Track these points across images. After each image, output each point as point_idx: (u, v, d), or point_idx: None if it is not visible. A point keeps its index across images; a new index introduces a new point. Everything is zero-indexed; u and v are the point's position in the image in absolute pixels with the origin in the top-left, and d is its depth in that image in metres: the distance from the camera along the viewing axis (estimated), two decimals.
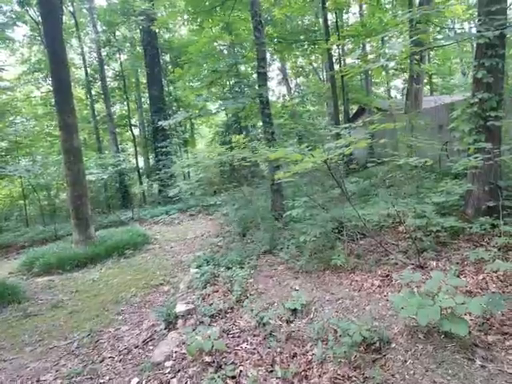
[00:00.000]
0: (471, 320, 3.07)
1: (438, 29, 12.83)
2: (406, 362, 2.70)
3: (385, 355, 2.83)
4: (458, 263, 4.24)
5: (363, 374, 2.68)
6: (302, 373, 2.88)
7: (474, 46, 5.83)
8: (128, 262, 7.46)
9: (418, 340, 2.91)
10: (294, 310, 3.84)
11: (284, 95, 24.27)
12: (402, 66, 17.73)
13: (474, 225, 4.82)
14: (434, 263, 4.40)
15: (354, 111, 19.00)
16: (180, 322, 4.19)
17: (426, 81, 18.94)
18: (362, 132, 8.40)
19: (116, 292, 5.76)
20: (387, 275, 4.33)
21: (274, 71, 25.34)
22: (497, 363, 2.52)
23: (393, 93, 26.00)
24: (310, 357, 3.05)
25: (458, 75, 22.59)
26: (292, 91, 24.50)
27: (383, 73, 19.50)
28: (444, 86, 22.45)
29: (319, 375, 2.80)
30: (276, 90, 26.46)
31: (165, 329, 4.23)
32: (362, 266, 4.77)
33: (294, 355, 3.13)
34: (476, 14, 5.51)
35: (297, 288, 4.55)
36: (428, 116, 9.44)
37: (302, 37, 16.32)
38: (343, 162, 7.80)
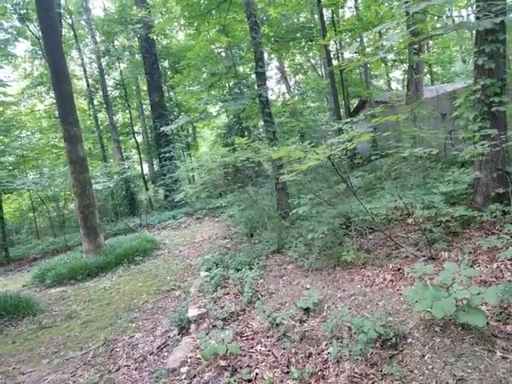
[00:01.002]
0: (488, 310, 3.01)
1: (436, 17, 12.68)
2: (423, 356, 2.65)
3: (402, 350, 2.79)
4: (470, 253, 4.17)
5: (381, 370, 2.65)
6: (319, 373, 2.85)
7: (474, 32, 5.75)
8: (138, 269, 7.49)
9: (434, 333, 2.87)
10: (307, 309, 3.81)
11: (284, 93, 24.20)
12: (402, 57, 17.62)
13: (485, 213, 4.73)
14: (446, 254, 4.34)
15: (355, 105, 18.91)
16: (193, 326, 4.19)
17: (426, 70, 18.76)
18: (364, 125, 8.36)
19: (128, 299, 5.79)
20: (399, 269, 4.28)
21: (272, 70, 25.29)
22: None
23: (393, 84, 25.82)
24: (325, 356, 3.02)
25: (458, 63, 22.34)
26: (291, 89, 24.44)
27: (382, 65, 19.37)
28: (445, 74, 22.23)
29: (336, 374, 2.77)
30: (275, 89, 26.41)
31: (178, 334, 4.23)
32: (372, 260, 4.73)
33: (310, 355, 3.10)
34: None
35: (308, 286, 4.52)
36: (430, 105, 9.34)
37: (298, 34, 16.27)
38: (347, 156, 7.74)
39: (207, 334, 3.73)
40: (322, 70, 22.74)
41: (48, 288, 7.25)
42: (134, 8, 16.46)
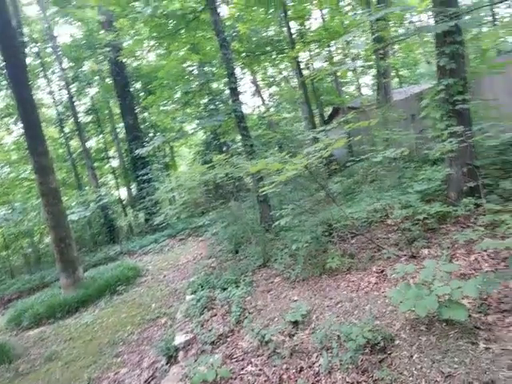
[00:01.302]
0: (469, 303, 3.06)
1: (398, 24, 13.19)
2: (411, 357, 2.66)
3: (390, 354, 2.79)
4: (448, 247, 4.26)
5: (372, 376, 2.64)
6: None
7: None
8: (121, 299, 7.24)
9: (420, 332, 2.88)
10: (295, 322, 3.77)
11: (259, 106, 24.46)
12: (369, 63, 18.15)
13: (459, 207, 4.85)
14: (426, 251, 4.41)
15: (329, 113, 19.26)
16: (181, 354, 4.06)
17: (393, 74, 19.34)
18: (339, 132, 8.49)
19: (112, 333, 5.55)
20: (382, 271, 4.31)
21: (246, 84, 25.59)
22: (500, 343, 2.51)
23: (364, 90, 26.46)
24: (316, 368, 2.98)
25: (423, 65, 23.14)
26: (266, 102, 24.74)
27: (352, 72, 19.90)
28: (411, 76, 22.98)
29: None
30: (251, 103, 26.71)
31: (166, 364, 4.08)
32: (356, 265, 4.75)
33: (301, 369, 3.06)
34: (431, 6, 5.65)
35: (295, 298, 4.49)
36: (400, 108, 9.60)
37: (268, 48, 16.55)
38: (323, 164, 7.81)
39: (196, 361, 3.62)
40: (295, 80, 23.14)
41: (25, 330, 6.87)
42: (102, 32, 16.39)
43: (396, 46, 20.12)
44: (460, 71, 5.13)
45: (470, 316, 2.82)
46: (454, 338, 2.67)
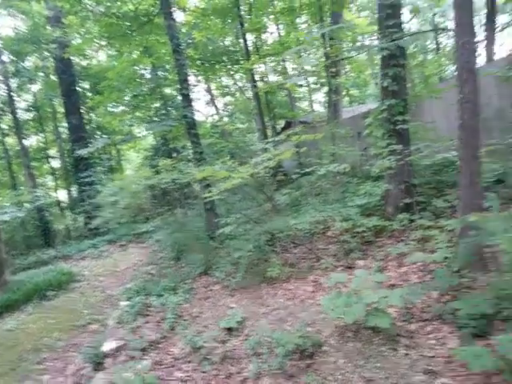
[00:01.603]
0: (396, 312, 3.20)
1: (351, 44, 13.94)
2: (336, 362, 2.72)
3: (317, 359, 2.83)
4: (382, 259, 4.47)
5: (298, 381, 2.66)
6: None
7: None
8: (51, 305, 6.71)
9: (347, 339, 2.96)
10: (230, 329, 3.73)
11: (212, 115, 24.39)
12: (322, 81, 18.95)
13: (395, 222, 5.11)
14: (362, 262, 4.59)
15: (282, 126, 19.69)
16: (109, 360, 3.83)
17: (344, 93, 20.29)
18: (289, 145, 8.68)
19: (36, 339, 5.09)
20: (319, 280, 4.41)
21: (200, 92, 25.42)
22: (418, 349, 2.65)
23: (316, 106, 27.47)
24: (245, 374, 2.96)
25: (372, 86, 24.56)
26: (220, 111, 24.76)
27: (305, 88, 20.61)
28: (361, 97, 24.29)
29: None
30: (205, 111, 26.58)
31: (93, 371, 3.82)
32: (296, 274, 4.83)
33: (230, 375, 3.01)
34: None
35: (233, 306, 4.45)
36: (348, 125, 10.05)
37: (224, 58, 16.64)
38: (270, 174, 7.90)
39: (123, 367, 3.43)
40: (250, 92, 23.42)
41: None
42: (48, 27, 15.49)
43: (348, 67, 21.25)
44: (401, 93, 5.45)
45: (394, 324, 2.95)
46: (378, 345, 2.78)
